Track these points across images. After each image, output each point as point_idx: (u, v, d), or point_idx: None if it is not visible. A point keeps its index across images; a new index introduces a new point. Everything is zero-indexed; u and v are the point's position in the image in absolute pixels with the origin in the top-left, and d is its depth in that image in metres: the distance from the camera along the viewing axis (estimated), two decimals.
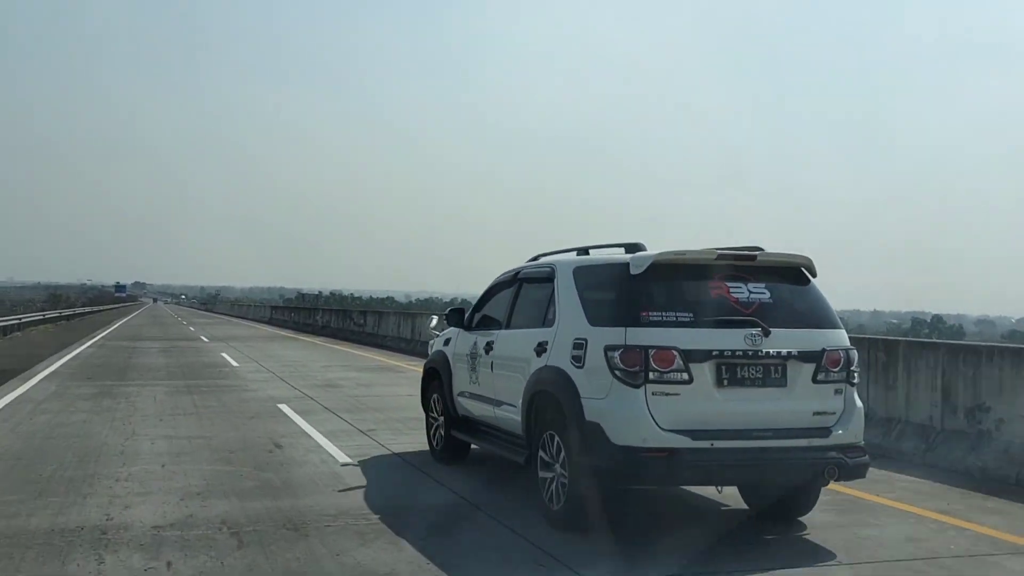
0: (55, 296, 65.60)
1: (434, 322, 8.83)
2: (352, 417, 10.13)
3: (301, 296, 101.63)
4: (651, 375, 4.77)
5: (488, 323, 6.84)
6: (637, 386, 4.78)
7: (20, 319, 31.90)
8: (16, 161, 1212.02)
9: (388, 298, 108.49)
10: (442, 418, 7.38)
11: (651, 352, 4.76)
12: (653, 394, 4.77)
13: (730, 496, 5.99)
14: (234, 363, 18.32)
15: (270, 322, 51.01)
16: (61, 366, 16.79)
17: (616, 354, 4.83)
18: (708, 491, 6.09)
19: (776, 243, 5.45)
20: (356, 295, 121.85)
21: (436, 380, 7.57)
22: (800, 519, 5.51)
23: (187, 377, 15.01)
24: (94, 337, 28.40)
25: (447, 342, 7.52)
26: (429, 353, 8.11)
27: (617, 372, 4.82)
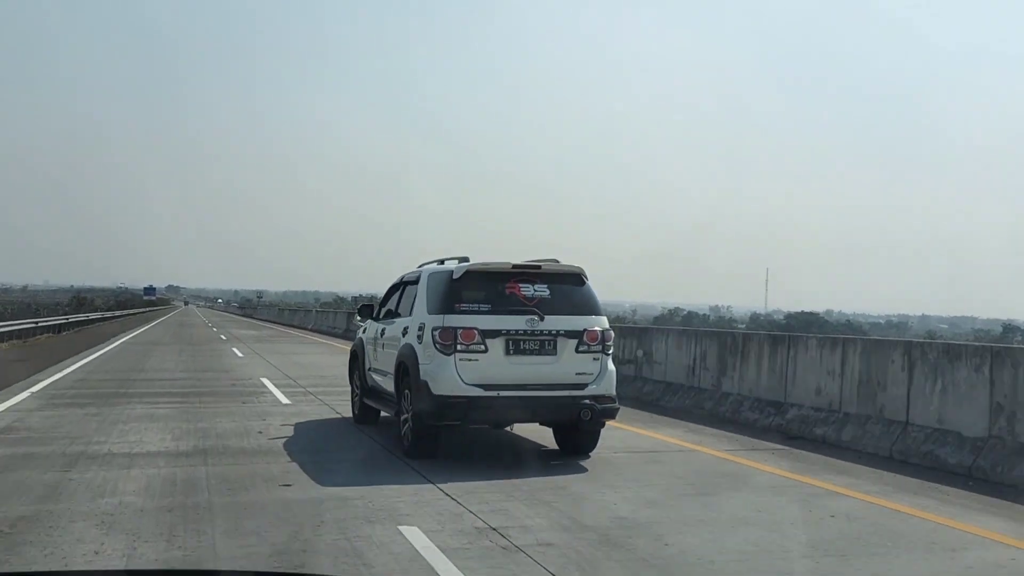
0: (78, 299, 60.57)
1: (358, 318, 10.69)
2: None
3: (358, 300, 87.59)
4: (459, 347, 7.30)
5: (387, 314, 9.29)
6: (449, 355, 7.32)
7: None
8: (56, 165, 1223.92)
9: None
10: (360, 390, 9.92)
11: (459, 331, 7.31)
12: (460, 360, 7.31)
13: (549, 441, 8.57)
14: None
15: (346, 336, 32.60)
16: None
17: (437, 333, 7.37)
18: (538, 438, 8.96)
19: None
20: None
21: (356, 360, 10.12)
22: (589, 454, 8.03)
23: None
24: (31, 388, 12.91)
25: (364, 330, 10.05)
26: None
27: (437, 345, 7.36)
